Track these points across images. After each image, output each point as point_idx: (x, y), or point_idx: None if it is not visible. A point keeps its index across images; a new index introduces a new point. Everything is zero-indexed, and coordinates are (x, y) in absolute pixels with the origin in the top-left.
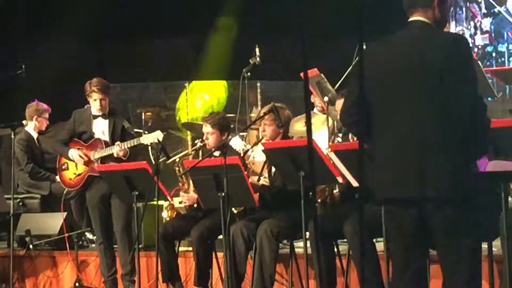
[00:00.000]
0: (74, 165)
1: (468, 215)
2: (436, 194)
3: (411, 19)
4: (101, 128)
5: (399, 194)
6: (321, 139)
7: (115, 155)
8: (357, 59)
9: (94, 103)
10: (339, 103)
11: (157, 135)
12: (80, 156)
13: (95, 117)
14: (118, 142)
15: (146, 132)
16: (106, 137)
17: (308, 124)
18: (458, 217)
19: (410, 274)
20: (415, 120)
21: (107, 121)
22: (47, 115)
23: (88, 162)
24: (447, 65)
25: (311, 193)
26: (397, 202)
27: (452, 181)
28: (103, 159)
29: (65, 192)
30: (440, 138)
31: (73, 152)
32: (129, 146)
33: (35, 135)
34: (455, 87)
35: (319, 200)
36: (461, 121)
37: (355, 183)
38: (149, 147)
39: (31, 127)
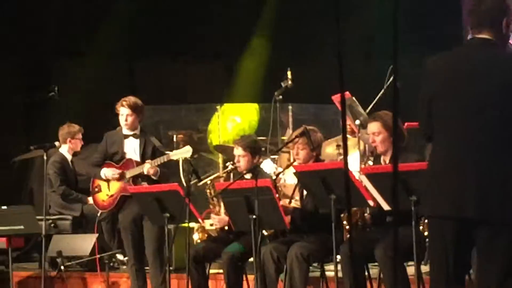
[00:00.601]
0: (107, 186)
1: None
2: (495, 215)
3: (478, 36)
4: (132, 147)
5: (455, 212)
6: (352, 162)
7: (146, 173)
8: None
9: (121, 119)
10: (371, 126)
11: (187, 151)
12: (113, 172)
13: (126, 136)
14: (148, 160)
15: None
16: (137, 156)
17: (344, 148)
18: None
19: None
20: (485, 139)
21: (138, 140)
22: (80, 136)
23: (121, 178)
24: None
25: (342, 216)
26: (452, 219)
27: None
28: (134, 179)
29: (98, 214)
30: (505, 159)
31: (106, 171)
32: (159, 163)
33: (69, 157)
34: None
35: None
36: None
37: (386, 207)
38: (181, 170)
39: (65, 149)
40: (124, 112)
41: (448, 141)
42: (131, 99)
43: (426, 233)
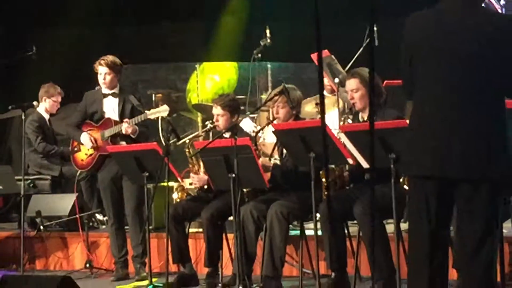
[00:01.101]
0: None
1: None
2: (477, 174)
3: None
4: (111, 107)
5: (439, 171)
6: (331, 120)
7: (124, 132)
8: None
9: (99, 77)
10: (349, 82)
11: (164, 110)
12: (90, 141)
13: (105, 96)
14: (126, 119)
15: None
16: (116, 115)
17: (322, 106)
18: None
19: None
20: (467, 94)
21: (116, 99)
22: (58, 99)
23: (97, 148)
24: (501, 40)
25: (321, 173)
26: (437, 178)
27: (496, 162)
28: (113, 138)
29: (77, 173)
30: (487, 116)
31: (84, 137)
32: (137, 122)
33: (46, 116)
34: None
35: (327, 180)
36: None
37: (365, 164)
38: (160, 129)
39: (42, 108)
40: (102, 71)
41: (429, 99)
42: (109, 58)
43: (406, 187)
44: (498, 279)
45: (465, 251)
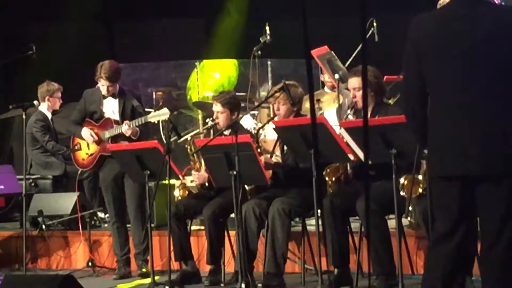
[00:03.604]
0: (86, 145)
1: None
2: (500, 170)
3: None
4: (111, 108)
5: (460, 170)
6: (332, 117)
7: (124, 134)
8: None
9: (102, 88)
10: (352, 81)
11: (164, 113)
12: (91, 135)
13: (105, 97)
14: (126, 121)
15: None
16: (116, 115)
17: (312, 104)
18: None
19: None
20: (482, 91)
21: (117, 100)
22: (59, 94)
23: (99, 142)
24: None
25: (325, 172)
26: (457, 177)
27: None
28: (114, 139)
29: (79, 172)
30: (503, 111)
31: (85, 131)
32: (137, 124)
33: (49, 115)
34: None
35: (333, 178)
36: None
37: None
38: (160, 127)
39: (45, 107)
40: (104, 84)
41: (445, 101)
42: (111, 69)
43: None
44: None
45: (486, 238)
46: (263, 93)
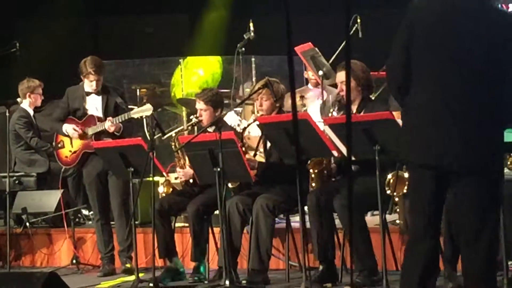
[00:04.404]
0: (69, 142)
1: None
2: (477, 165)
3: None
4: (94, 105)
5: (436, 161)
6: (316, 113)
7: (108, 130)
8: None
9: (90, 84)
10: (340, 74)
11: (148, 109)
12: (74, 129)
13: (88, 94)
14: (109, 117)
15: None
16: (99, 112)
17: (293, 101)
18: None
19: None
20: (466, 87)
21: (100, 97)
22: (40, 90)
23: (82, 136)
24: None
25: (308, 163)
26: (432, 167)
27: (495, 154)
28: (98, 136)
29: (62, 170)
30: (486, 110)
31: (67, 127)
32: (120, 121)
33: (31, 112)
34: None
35: (315, 171)
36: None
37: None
38: (144, 124)
39: (26, 104)
40: (94, 79)
41: (429, 92)
42: (97, 63)
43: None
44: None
45: (466, 234)
46: (247, 90)
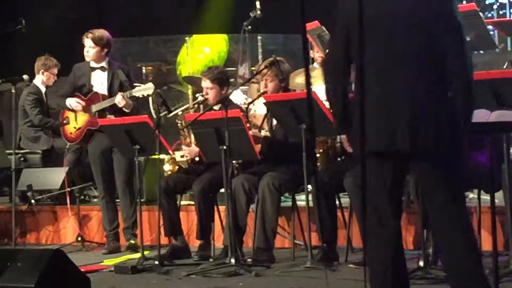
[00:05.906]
0: (74, 119)
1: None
2: (428, 147)
3: None
4: (99, 80)
5: (388, 146)
6: (322, 92)
7: (117, 104)
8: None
9: (87, 55)
10: None
11: (149, 87)
12: (77, 102)
13: (94, 69)
14: (121, 92)
15: None
16: (104, 88)
17: (307, 78)
18: (450, 169)
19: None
20: (407, 72)
21: (105, 73)
22: (55, 71)
23: (86, 109)
24: (438, 20)
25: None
26: (384, 154)
27: (443, 134)
28: (101, 113)
29: (67, 146)
30: (432, 89)
31: (71, 100)
32: (127, 96)
33: (43, 89)
34: (450, 43)
35: (320, 151)
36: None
37: None
38: (150, 101)
39: (39, 81)
40: (87, 44)
41: (376, 76)
42: (96, 32)
43: None
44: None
45: (438, 220)
46: (253, 68)
